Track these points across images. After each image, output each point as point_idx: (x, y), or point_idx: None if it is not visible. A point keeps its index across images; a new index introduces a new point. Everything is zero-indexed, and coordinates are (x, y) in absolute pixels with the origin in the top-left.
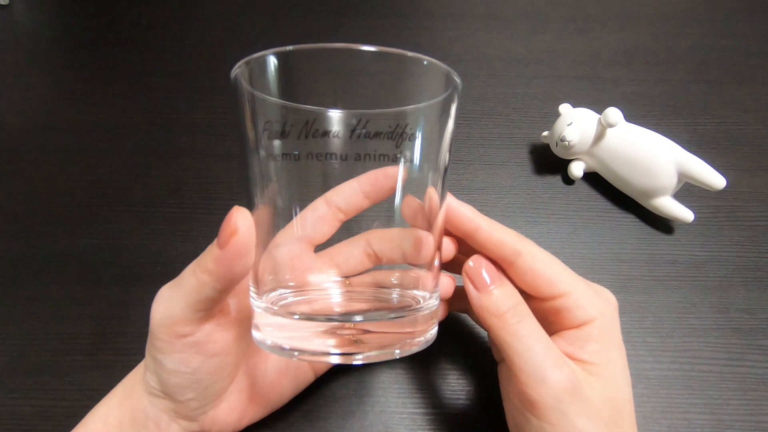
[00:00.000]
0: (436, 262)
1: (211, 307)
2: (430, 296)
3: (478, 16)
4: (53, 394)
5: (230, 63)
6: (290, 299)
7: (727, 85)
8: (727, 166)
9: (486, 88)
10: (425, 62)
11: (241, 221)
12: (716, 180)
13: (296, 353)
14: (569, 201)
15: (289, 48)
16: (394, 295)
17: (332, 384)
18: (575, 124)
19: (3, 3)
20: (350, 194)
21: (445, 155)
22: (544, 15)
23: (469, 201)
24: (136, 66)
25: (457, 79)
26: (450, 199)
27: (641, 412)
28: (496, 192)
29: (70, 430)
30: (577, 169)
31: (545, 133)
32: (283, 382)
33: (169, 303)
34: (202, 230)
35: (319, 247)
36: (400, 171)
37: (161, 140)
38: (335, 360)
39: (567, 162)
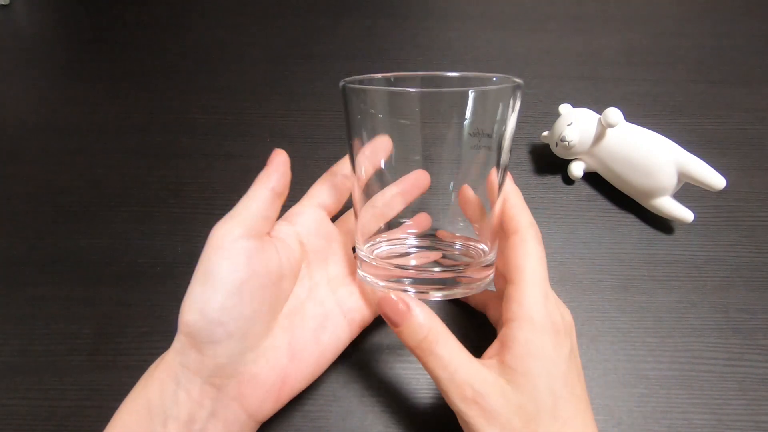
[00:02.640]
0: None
1: (272, 214)
2: (489, 251)
3: (478, 16)
4: (53, 394)
5: (230, 63)
6: (383, 248)
7: (727, 85)
8: (727, 166)
9: None
10: (493, 78)
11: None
12: (716, 180)
13: (390, 291)
14: (569, 201)
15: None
16: (458, 246)
17: (332, 384)
18: (575, 124)
19: (3, 3)
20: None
21: (509, 142)
22: (544, 15)
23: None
24: (136, 66)
25: (517, 80)
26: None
27: (641, 412)
28: None
29: (71, 430)
30: (577, 169)
31: (545, 133)
32: (322, 337)
33: (235, 213)
34: (202, 230)
35: None
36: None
37: (161, 140)
38: (420, 297)
39: (567, 162)
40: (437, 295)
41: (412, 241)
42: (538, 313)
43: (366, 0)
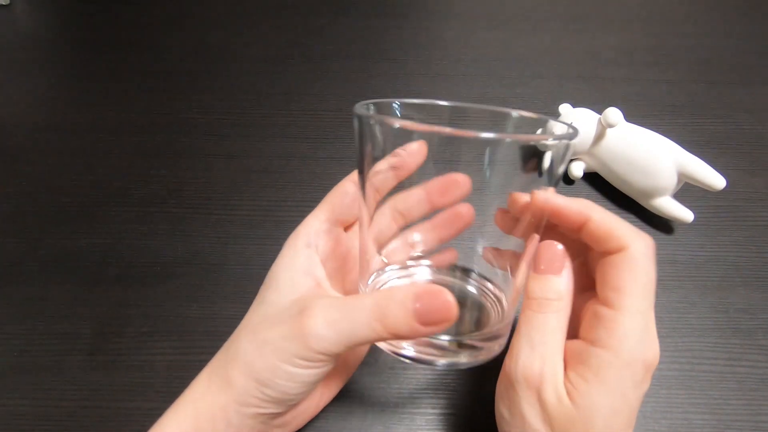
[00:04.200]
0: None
1: None
2: (508, 311)
3: (478, 16)
4: (53, 394)
5: (230, 63)
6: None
7: (727, 85)
8: (727, 166)
9: (486, 88)
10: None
11: (455, 310)
12: (716, 180)
13: (408, 360)
14: None
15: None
16: (473, 288)
17: None
18: (575, 124)
19: (3, 3)
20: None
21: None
22: (544, 15)
23: (469, 201)
24: (136, 66)
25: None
26: (555, 196)
27: (641, 412)
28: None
29: (71, 430)
30: (577, 169)
31: None
32: (349, 360)
33: (337, 331)
34: (202, 230)
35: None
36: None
37: (161, 140)
38: (440, 365)
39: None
40: (441, 363)
41: (426, 272)
42: (630, 348)
43: (366, 0)
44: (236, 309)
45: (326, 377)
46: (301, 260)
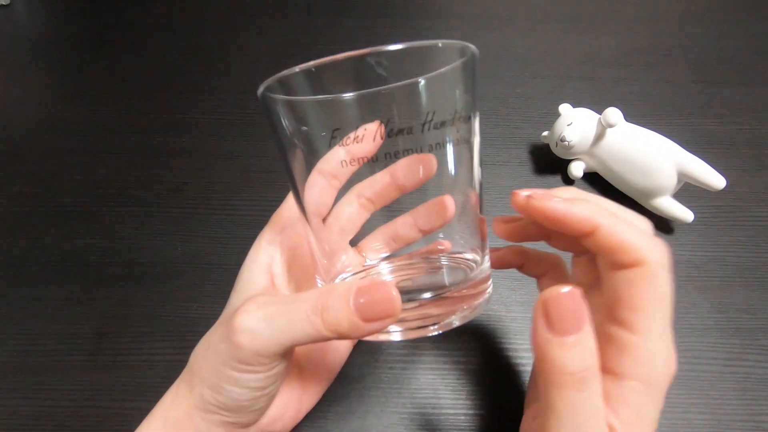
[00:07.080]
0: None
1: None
2: (481, 260)
3: (478, 16)
4: (53, 394)
5: (230, 63)
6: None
7: (727, 85)
8: (727, 166)
9: (486, 88)
10: (440, 44)
11: (398, 305)
12: (716, 180)
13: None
14: None
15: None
16: (444, 261)
17: (332, 384)
18: (575, 124)
19: (3, 3)
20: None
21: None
22: (544, 15)
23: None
24: (136, 66)
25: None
26: (554, 197)
27: None
28: (497, 192)
29: (71, 430)
30: (577, 169)
31: (545, 133)
32: (327, 359)
33: (272, 327)
34: (202, 230)
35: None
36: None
37: (161, 140)
38: (410, 336)
39: (567, 162)
40: (432, 329)
41: (386, 266)
42: (659, 374)
43: (366, 0)
44: None
45: (304, 381)
46: (263, 257)
